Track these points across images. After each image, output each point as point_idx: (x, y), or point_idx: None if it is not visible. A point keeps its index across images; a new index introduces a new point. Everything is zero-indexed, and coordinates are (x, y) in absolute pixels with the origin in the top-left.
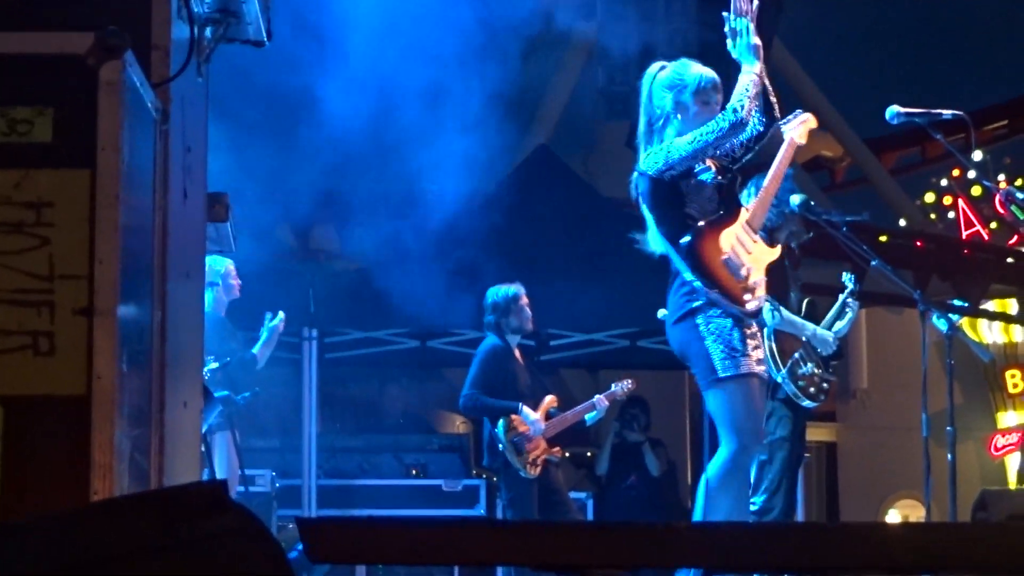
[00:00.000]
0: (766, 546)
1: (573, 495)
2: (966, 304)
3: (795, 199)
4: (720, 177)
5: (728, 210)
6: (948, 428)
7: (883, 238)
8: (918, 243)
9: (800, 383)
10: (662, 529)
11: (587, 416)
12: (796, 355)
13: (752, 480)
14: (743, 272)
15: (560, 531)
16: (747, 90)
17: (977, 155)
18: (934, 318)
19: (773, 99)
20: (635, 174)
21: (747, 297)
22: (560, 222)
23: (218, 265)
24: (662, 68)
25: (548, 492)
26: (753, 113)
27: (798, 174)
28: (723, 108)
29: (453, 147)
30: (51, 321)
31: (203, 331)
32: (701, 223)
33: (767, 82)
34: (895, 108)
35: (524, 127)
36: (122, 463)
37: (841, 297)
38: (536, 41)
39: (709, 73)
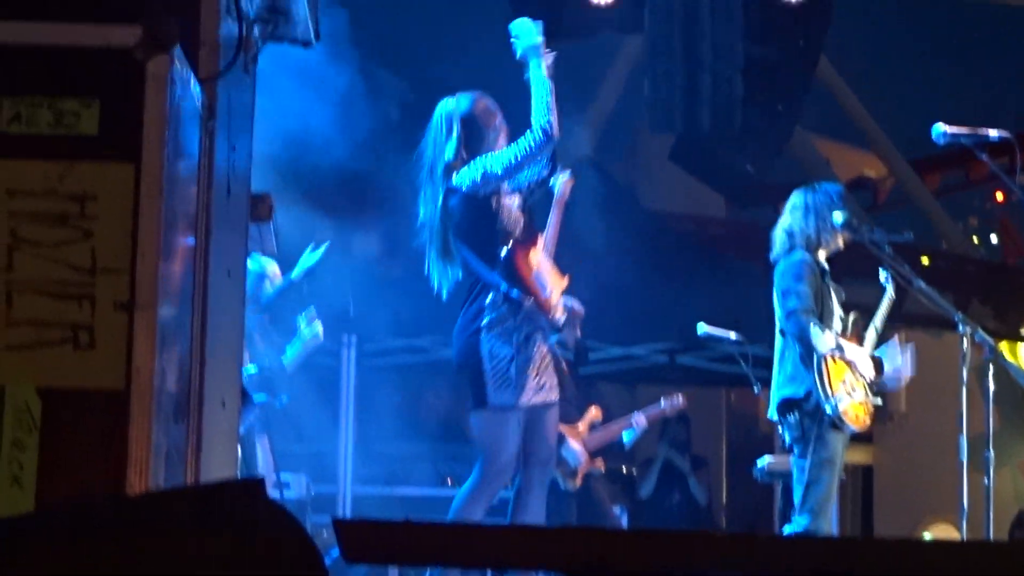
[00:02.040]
0: (802, 558)
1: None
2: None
3: (838, 216)
4: (523, 203)
5: (531, 234)
6: (986, 453)
7: (925, 259)
8: (960, 265)
9: (849, 411)
10: (697, 537)
11: (625, 435)
12: (845, 380)
13: (800, 498)
14: (548, 290)
15: (594, 537)
16: (548, 106)
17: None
18: (979, 335)
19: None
20: (441, 192)
21: (553, 310)
22: (602, 232)
23: (257, 266)
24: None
25: (590, 505)
26: (556, 125)
27: (845, 194)
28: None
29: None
30: (92, 314)
31: (244, 330)
32: (512, 240)
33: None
34: (941, 127)
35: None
36: (158, 459)
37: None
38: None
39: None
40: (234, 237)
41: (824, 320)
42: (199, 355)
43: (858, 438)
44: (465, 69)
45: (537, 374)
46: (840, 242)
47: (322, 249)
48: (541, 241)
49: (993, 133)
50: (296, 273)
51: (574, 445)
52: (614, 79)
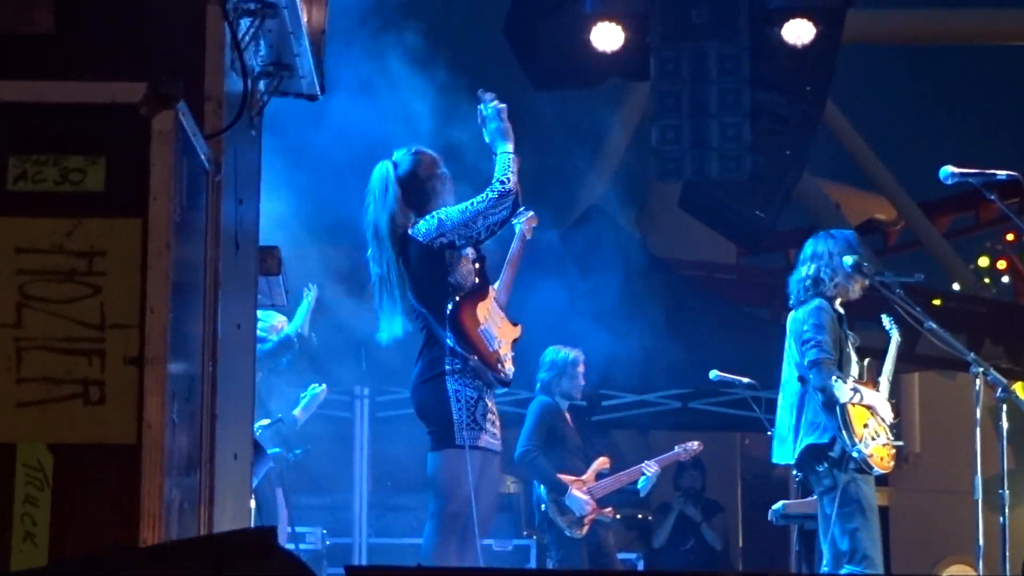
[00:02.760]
0: None
1: (624, 556)
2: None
3: (848, 260)
4: (476, 254)
5: (483, 285)
6: (1000, 491)
7: (937, 301)
8: (971, 306)
9: (874, 454)
10: None
11: (639, 483)
12: (868, 425)
13: (848, 548)
14: (496, 343)
15: None
16: (508, 164)
17: None
18: (991, 375)
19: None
20: (394, 248)
21: (499, 366)
22: (612, 280)
23: (268, 320)
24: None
25: (598, 554)
26: (517, 185)
27: (856, 238)
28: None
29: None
30: (102, 370)
31: (254, 383)
32: (460, 294)
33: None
34: (949, 168)
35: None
36: (171, 512)
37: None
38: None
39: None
40: (243, 290)
41: (843, 366)
42: (210, 408)
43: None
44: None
45: (493, 422)
46: (857, 289)
47: (314, 292)
48: (492, 292)
49: (1001, 174)
50: (293, 328)
51: (577, 494)
52: (622, 127)
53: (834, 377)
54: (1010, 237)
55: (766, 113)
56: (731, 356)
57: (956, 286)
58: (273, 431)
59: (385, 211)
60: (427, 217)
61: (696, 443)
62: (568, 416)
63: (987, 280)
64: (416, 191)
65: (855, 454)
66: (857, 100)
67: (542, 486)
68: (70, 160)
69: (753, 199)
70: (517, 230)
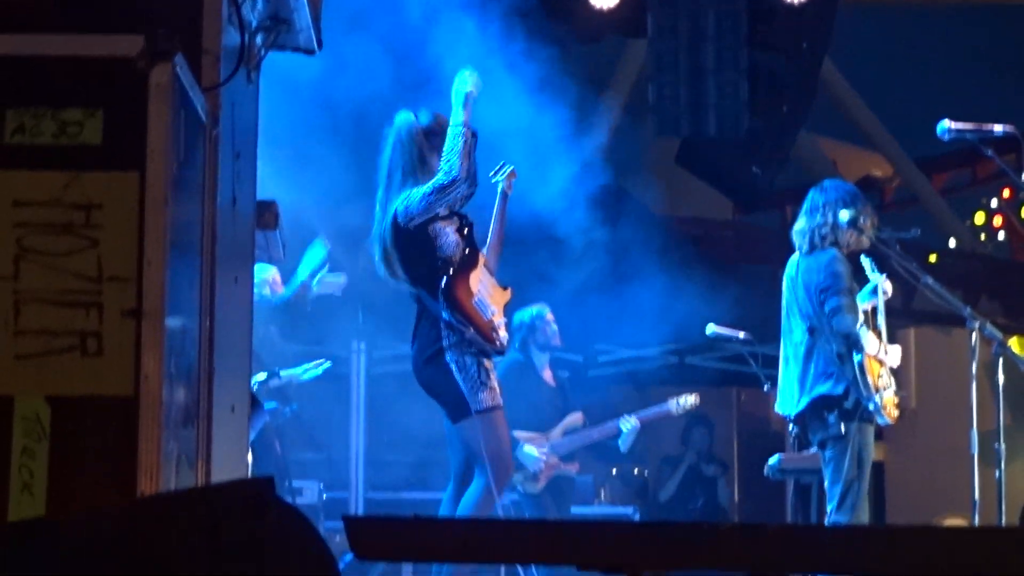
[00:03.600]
0: (815, 549)
1: (620, 510)
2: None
3: (843, 215)
4: (460, 222)
5: (472, 253)
6: (996, 446)
7: (933, 258)
8: (968, 263)
9: (886, 405)
10: (709, 529)
11: (620, 441)
12: (881, 375)
13: (838, 495)
14: (489, 313)
15: (606, 530)
16: (455, 148)
17: None
18: (987, 330)
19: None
20: (390, 214)
21: (494, 335)
22: (609, 237)
23: (260, 274)
24: (415, 117)
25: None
26: (466, 169)
27: (855, 191)
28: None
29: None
30: (99, 322)
31: (251, 336)
32: (451, 268)
33: (474, 146)
34: (946, 123)
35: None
36: (168, 464)
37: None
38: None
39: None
40: (240, 244)
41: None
42: (207, 361)
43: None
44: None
45: (493, 376)
46: (865, 242)
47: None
48: (483, 258)
49: (998, 129)
50: (303, 274)
51: (529, 449)
52: (619, 84)
53: (859, 324)
54: (1007, 193)
55: (764, 72)
56: (728, 312)
57: (952, 242)
58: (270, 386)
59: (400, 159)
60: (399, 199)
61: (694, 396)
62: (548, 372)
63: (983, 236)
64: (425, 148)
65: (871, 405)
66: (854, 58)
67: None
68: (68, 113)
69: (750, 157)
70: (499, 188)
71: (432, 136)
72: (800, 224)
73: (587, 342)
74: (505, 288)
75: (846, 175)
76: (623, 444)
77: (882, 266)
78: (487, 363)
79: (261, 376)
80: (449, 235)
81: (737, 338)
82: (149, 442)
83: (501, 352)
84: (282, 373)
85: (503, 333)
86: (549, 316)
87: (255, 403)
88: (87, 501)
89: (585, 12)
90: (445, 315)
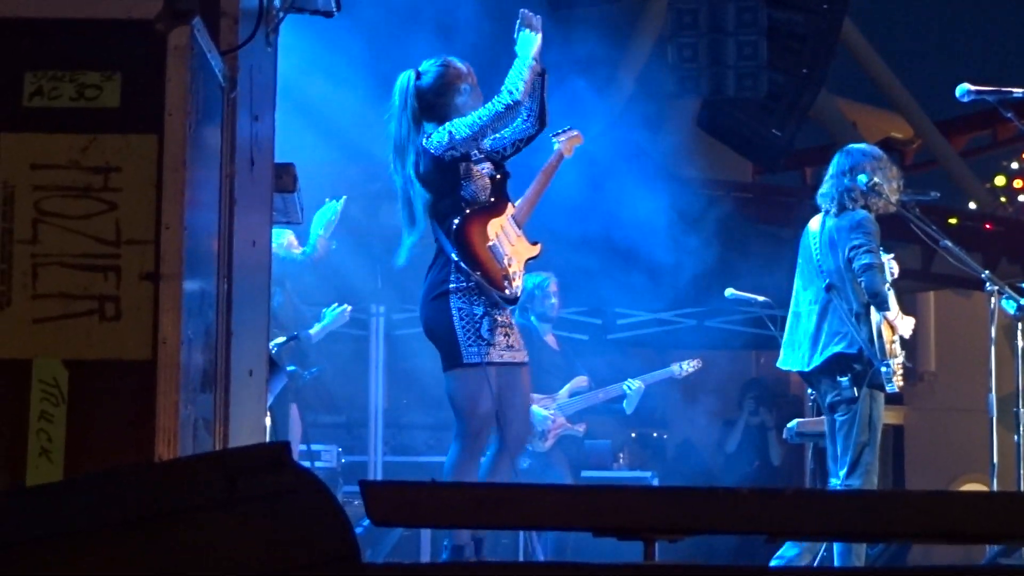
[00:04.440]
0: (830, 512)
1: (639, 474)
2: None
3: (863, 177)
4: (494, 169)
5: (497, 201)
6: (1015, 409)
7: (953, 220)
8: (987, 225)
9: (896, 372)
10: (724, 494)
11: (624, 403)
12: (895, 341)
13: (849, 460)
14: (505, 261)
15: (622, 495)
16: (521, 74)
17: None
18: (1003, 301)
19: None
20: (416, 153)
21: (506, 284)
22: (628, 198)
23: (278, 238)
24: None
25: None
26: (527, 96)
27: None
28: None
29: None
30: (117, 286)
31: (269, 300)
32: (469, 209)
33: (543, 89)
34: (966, 86)
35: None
36: (186, 428)
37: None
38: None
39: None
40: (258, 207)
41: None
42: (225, 324)
43: (888, 399)
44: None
45: (506, 334)
46: (891, 207)
47: (340, 203)
48: (511, 209)
49: (1018, 91)
50: (315, 328)
51: (536, 408)
52: (639, 45)
53: (887, 285)
54: None
55: (783, 31)
56: (747, 274)
57: (972, 205)
58: (289, 348)
59: (402, 123)
60: (439, 129)
61: (696, 361)
62: (550, 336)
63: (1004, 199)
64: (434, 104)
65: (883, 368)
66: (874, 18)
67: None
68: (86, 76)
69: (770, 118)
70: (555, 147)
71: (445, 88)
72: (826, 187)
73: (606, 305)
74: (534, 243)
75: (866, 137)
76: (628, 406)
77: (903, 230)
78: (501, 318)
79: (280, 339)
80: (477, 178)
81: (756, 301)
82: (167, 406)
83: (511, 301)
84: (311, 331)
85: (517, 283)
86: (552, 287)
87: (274, 366)
88: (105, 465)
89: None
90: (454, 255)
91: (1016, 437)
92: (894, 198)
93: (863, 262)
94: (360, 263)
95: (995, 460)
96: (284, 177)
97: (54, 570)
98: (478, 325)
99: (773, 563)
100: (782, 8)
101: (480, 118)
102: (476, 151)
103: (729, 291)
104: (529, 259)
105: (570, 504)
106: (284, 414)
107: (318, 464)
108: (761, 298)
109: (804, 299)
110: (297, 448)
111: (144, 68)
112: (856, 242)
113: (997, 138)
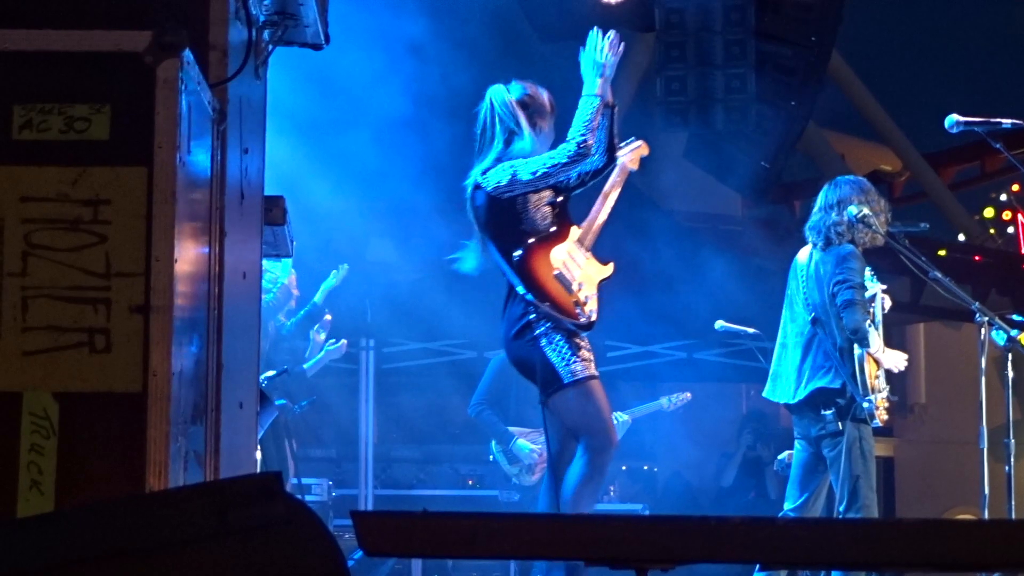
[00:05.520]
0: (822, 541)
1: (630, 506)
2: None
3: (852, 209)
4: (555, 195)
5: (560, 227)
6: (1006, 441)
7: (942, 252)
8: (976, 257)
9: (879, 407)
10: (716, 524)
11: None
12: (879, 377)
13: (847, 493)
14: (574, 286)
15: (614, 525)
16: (588, 120)
17: None
18: (993, 332)
19: (617, 141)
20: (472, 187)
21: (578, 311)
22: (618, 232)
23: (282, 275)
24: (506, 89)
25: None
26: (593, 145)
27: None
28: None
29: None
30: (107, 318)
31: (259, 333)
32: (532, 239)
33: (612, 121)
34: (954, 117)
35: None
36: (177, 460)
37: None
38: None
39: (543, 91)
40: (248, 239)
41: None
42: (216, 357)
43: (879, 431)
44: None
45: (589, 349)
46: (879, 239)
47: (343, 271)
48: (574, 233)
49: (1007, 122)
50: (319, 297)
51: (523, 442)
52: (627, 77)
53: (867, 322)
54: (1016, 188)
55: (771, 64)
56: (736, 307)
57: (961, 237)
58: (279, 382)
59: (491, 130)
60: (499, 168)
61: (686, 394)
62: None
63: (992, 231)
64: (518, 118)
65: (865, 404)
66: (863, 50)
67: (492, 439)
68: (75, 109)
69: (758, 150)
70: (618, 162)
71: (525, 107)
72: (813, 220)
73: (596, 338)
74: (606, 263)
75: (854, 169)
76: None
77: (892, 262)
78: (577, 338)
79: (270, 373)
80: (538, 207)
81: (746, 333)
82: (158, 438)
83: (585, 328)
84: (305, 366)
85: (590, 307)
86: None
87: (264, 399)
88: (96, 497)
89: (593, 6)
90: (520, 288)
91: (1007, 468)
92: (883, 230)
93: (845, 298)
94: (349, 296)
95: (986, 491)
96: (274, 210)
97: None
98: (566, 345)
99: None
100: (770, 41)
101: (545, 166)
102: (534, 191)
103: (719, 323)
104: (603, 280)
105: (563, 534)
106: (276, 448)
107: (309, 497)
108: (751, 330)
109: (791, 331)
110: (290, 482)
111: (133, 100)
112: (840, 277)
113: (985, 170)
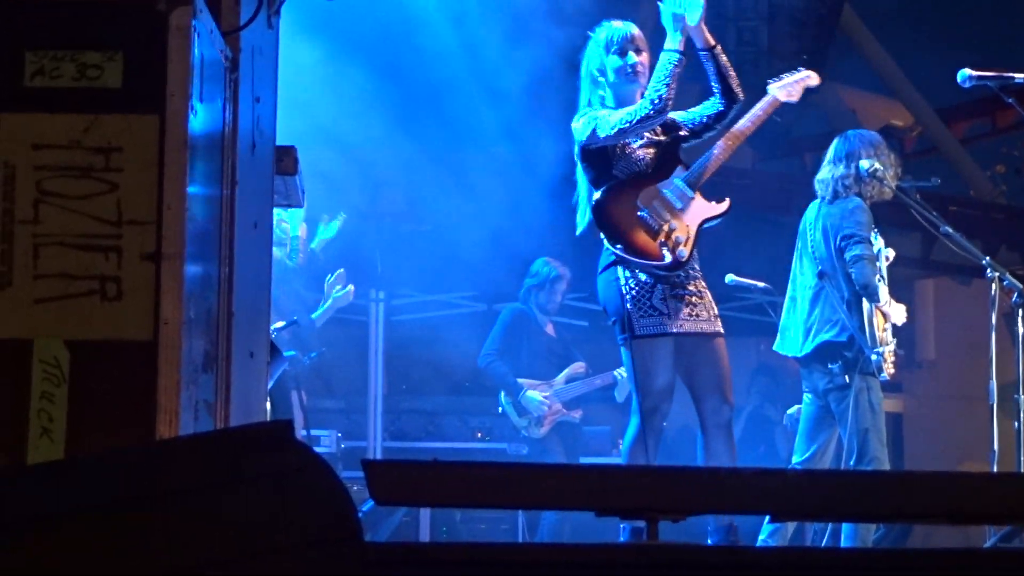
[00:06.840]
0: (832, 493)
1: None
2: None
3: (864, 164)
4: (658, 135)
5: (660, 168)
6: (1016, 396)
7: (953, 207)
8: (988, 213)
9: (886, 360)
10: (727, 475)
11: (616, 392)
12: (886, 330)
13: (855, 447)
14: (662, 226)
15: (624, 475)
16: (665, 77)
17: None
18: (1007, 280)
19: (733, 81)
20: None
21: (664, 251)
22: None
23: (293, 228)
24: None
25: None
26: (671, 100)
27: (878, 140)
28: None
29: (524, 110)
30: (118, 266)
31: (270, 282)
32: (613, 182)
33: (725, 61)
34: (967, 71)
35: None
36: (188, 409)
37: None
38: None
39: (625, 28)
40: (260, 189)
41: None
42: (227, 306)
43: (888, 387)
44: None
45: (689, 303)
46: (887, 192)
47: (339, 221)
48: (678, 172)
49: (1019, 77)
50: (315, 244)
51: (532, 394)
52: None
53: (877, 276)
54: None
55: (783, 16)
56: (747, 261)
57: (972, 192)
58: (289, 333)
59: (589, 83)
60: (586, 115)
61: None
62: (549, 324)
63: (1004, 186)
64: (603, 64)
65: (874, 356)
66: (874, 4)
67: (501, 391)
68: (87, 56)
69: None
70: (769, 94)
71: (607, 52)
72: (823, 173)
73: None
74: (720, 201)
75: (866, 124)
76: (619, 394)
77: (903, 217)
78: (677, 286)
79: (280, 323)
80: (631, 152)
81: (757, 288)
82: (168, 387)
83: (670, 268)
84: (313, 316)
85: (683, 248)
86: (562, 286)
87: (274, 350)
88: (106, 446)
89: None
90: (601, 233)
91: (1016, 424)
92: (893, 184)
93: (853, 253)
94: (360, 248)
95: (995, 447)
96: (285, 159)
97: (56, 549)
98: (649, 295)
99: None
100: None
101: (624, 121)
102: (616, 143)
103: (729, 277)
104: (709, 218)
105: (574, 484)
106: (284, 399)
107: (318, 448)
108: (762, 284)
109: (801, 284)
110: (299, 433)
111: (146, 48)
112: (847, 231)
113: (996, 125)
